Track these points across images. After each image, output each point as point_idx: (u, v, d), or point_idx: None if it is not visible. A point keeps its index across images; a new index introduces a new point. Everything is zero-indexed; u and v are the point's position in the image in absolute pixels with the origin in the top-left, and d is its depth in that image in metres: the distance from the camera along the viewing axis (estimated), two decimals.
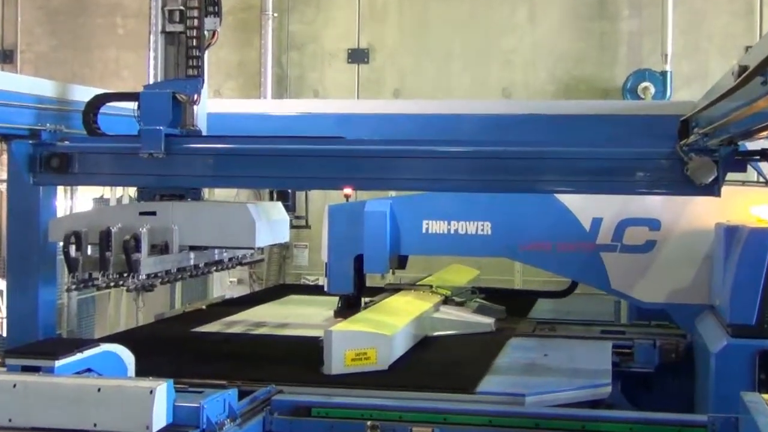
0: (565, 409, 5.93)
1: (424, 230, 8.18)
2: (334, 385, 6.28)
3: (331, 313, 8.52)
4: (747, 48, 4.82)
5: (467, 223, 8.08)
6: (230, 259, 7.32)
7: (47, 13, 14.73)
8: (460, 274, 10.17)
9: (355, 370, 6.54)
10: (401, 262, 8.59)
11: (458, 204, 8.10)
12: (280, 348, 7.53)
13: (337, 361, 6.53)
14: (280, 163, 6.51)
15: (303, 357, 6.87)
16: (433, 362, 7.04)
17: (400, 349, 7.09)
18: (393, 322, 7.29)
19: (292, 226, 8.61)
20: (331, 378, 6.44)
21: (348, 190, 8.92)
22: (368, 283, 8.76)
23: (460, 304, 8.52)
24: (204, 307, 9.71)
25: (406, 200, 8.27)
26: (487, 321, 8.23)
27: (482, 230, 8.07)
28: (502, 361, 7.04)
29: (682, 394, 7.31)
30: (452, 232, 8.12)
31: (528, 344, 7.68)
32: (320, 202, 11.39)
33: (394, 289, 8.87)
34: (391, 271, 8.68)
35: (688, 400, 7.19)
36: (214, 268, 7.21)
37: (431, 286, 8.85)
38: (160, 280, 6.51)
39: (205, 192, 7.43)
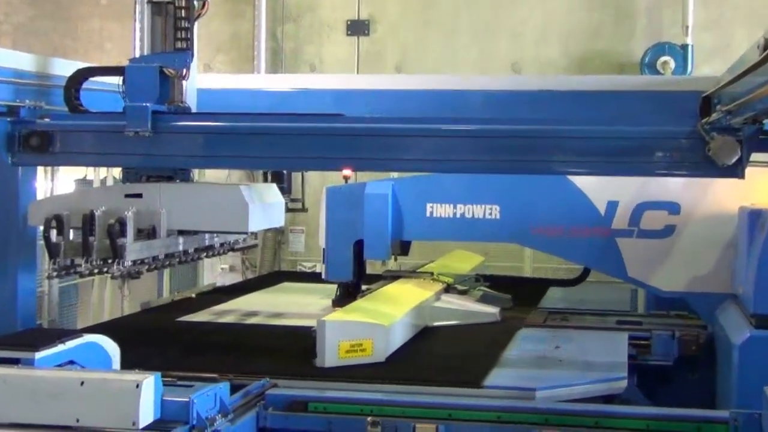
0: (578, 404, 5.94)
1: (428, 214, 8.19)
2: (328, 378, 6.30)
3: (329, 302, 8.53)
4: None
5: (474, 206, 8.08)
6: (221, 245, 7.33)
7: None
8: (464, 260, 10.18)
9: (350, 363, 6.56)
10: (404, 248, 8.59)
11: (465, 186, 8.09)
12: (275, 339, 7.54)
13: (331, 353, 6.54)
14: (274, 142, 6.50)
15: (297, 349, 6.88)
16: (434, 354, 7.05)
17: (397, 340, 7.11)
18: (390, 311, 7.30)
19: (288, 210, 8.60)
20: (325, 371, 6.45)
21: (347, 172, 8.91)
22: (369, 270, 8.77)
23: (463, 293, 8.53)
24: (193, 295, 9.73)
25: (409, 182, 8.27)
26: (491, 311, 8.24)
27: (490, 214, 8.07)
28: (510, 354, 7.06)
29: (702, 389, 7.32)
30: (458, 216, 8.12)
31: (538, 335, 7.70)
32: (318, 183, 11.37)
33: (393, 277, 8.88)
34: (393, 257, 8.69)
35: (709, 394, 7.19)
36: (205, 254, 7.22)
37: (432, 274, 8.86)
38: (146, 266, 6.51)
39: (195, 173, 7.43)
